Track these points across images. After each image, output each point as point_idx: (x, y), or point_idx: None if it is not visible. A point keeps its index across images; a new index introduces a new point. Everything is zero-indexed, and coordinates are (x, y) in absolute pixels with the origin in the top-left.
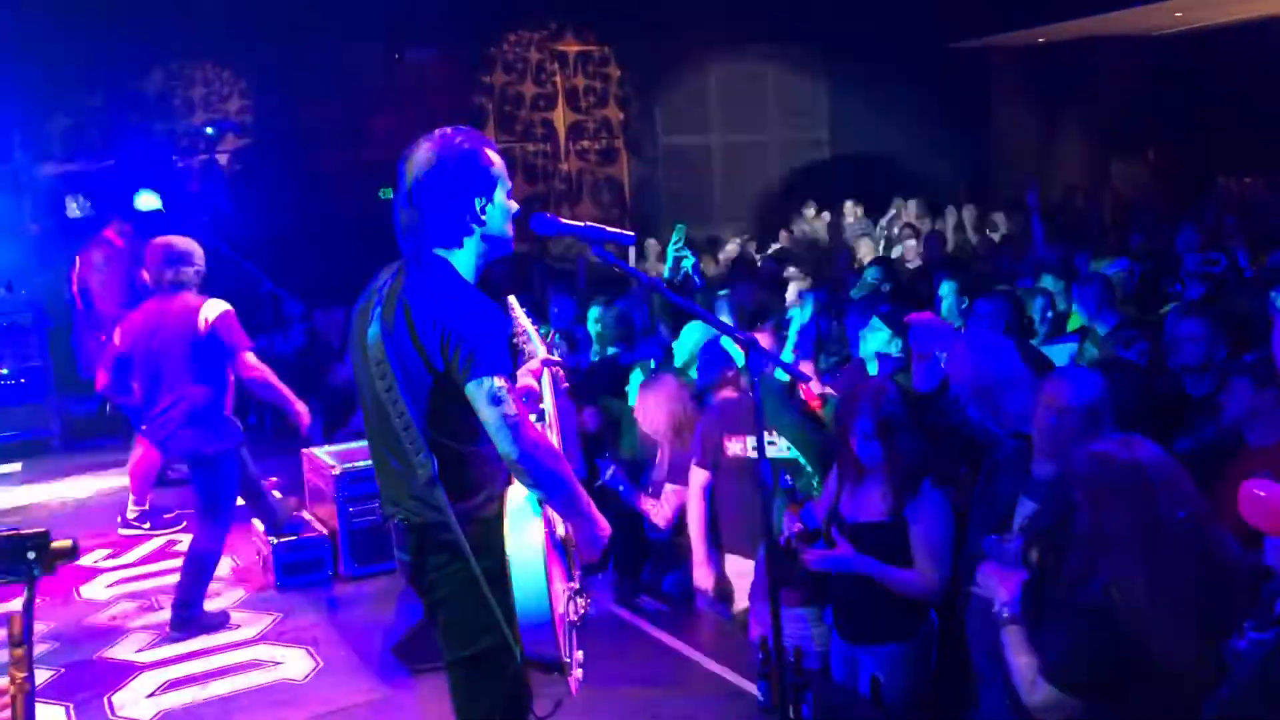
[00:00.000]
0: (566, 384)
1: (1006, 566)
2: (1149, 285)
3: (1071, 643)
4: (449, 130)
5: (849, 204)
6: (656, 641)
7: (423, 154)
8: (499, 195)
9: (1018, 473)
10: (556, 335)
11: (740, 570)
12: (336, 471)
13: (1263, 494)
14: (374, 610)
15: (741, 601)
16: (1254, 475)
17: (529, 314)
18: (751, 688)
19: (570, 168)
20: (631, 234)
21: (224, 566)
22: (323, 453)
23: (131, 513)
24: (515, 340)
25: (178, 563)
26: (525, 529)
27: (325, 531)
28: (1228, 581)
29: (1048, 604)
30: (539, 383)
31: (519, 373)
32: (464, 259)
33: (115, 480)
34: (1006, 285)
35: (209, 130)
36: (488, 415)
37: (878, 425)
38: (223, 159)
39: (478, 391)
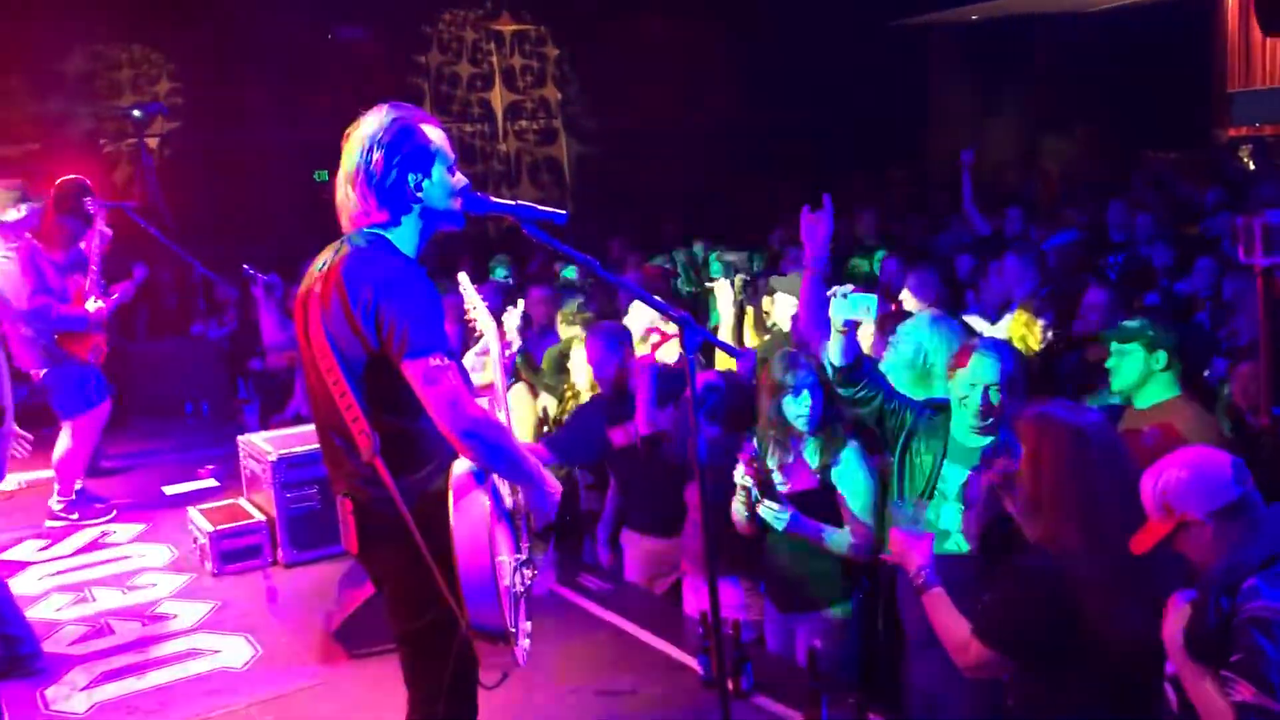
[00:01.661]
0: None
1: (913, 531)
2: (1081, 258)
3: (1010, 604)
4: (386, 106)
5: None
6: (598, 619)
7: (360, 131)
8: (438, 171)
9: (939, 440)
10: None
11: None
12: (273, 457)
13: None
14: (314, 596)
15: (633, 577)
16: (1140, 435)
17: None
18: (693, 662)
19: (508, 148)
20: (564, 213)
21: (161, 555)
22: (259, 439)
23: (57, 504)
24: (466, 318)
25: (111, 554)
26: (469, 501)
27: (263, 518)
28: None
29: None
30: (488, 360)
31: (474, 350)
32: (404, 236)
33: (43, 472)
34: (938, 257)
35: (136, 114)
36: (425, 393)
37: (809, 392)
38: (152, 142)
39: (414, 370)
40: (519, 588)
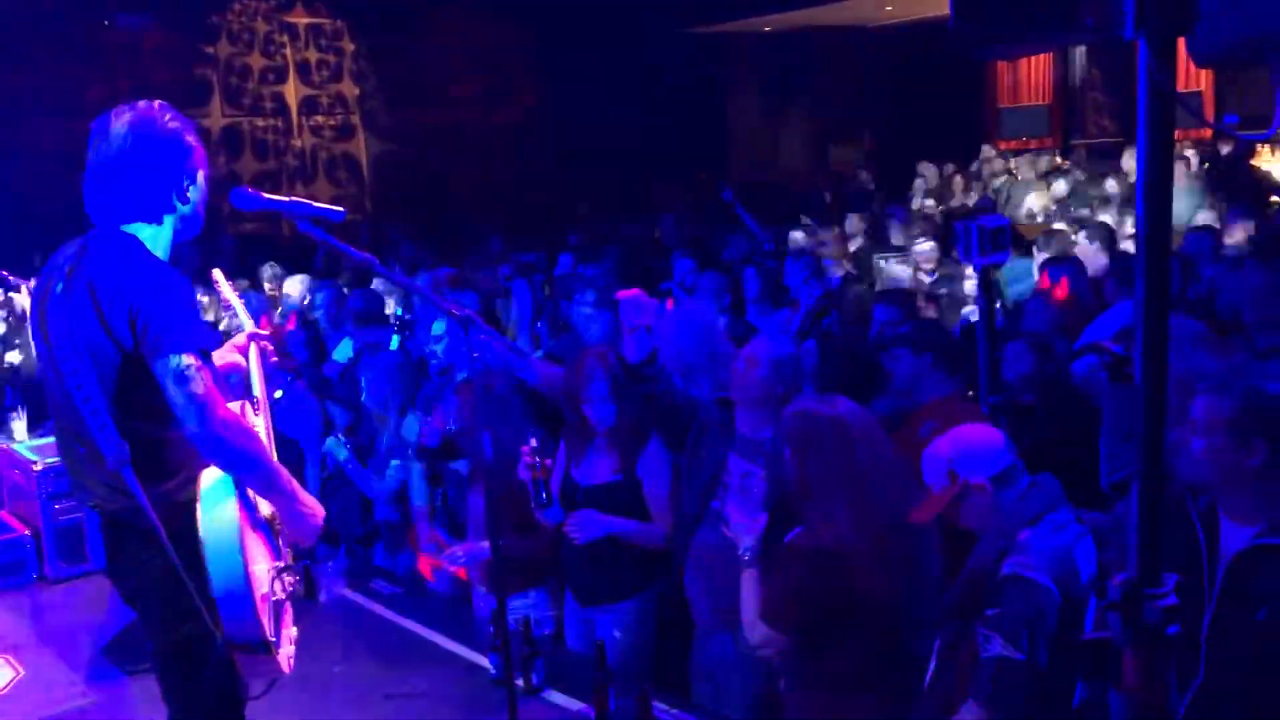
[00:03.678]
0: (275, 358)
1: (752, 511)
2: (863, 259)
3: (784, 584)
4: (154, 105)
5: None
6: (389, 623)
7: (123, 127)
8: (200, 177)
9: (724, 434)
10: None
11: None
12: (39, 467)
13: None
14: (82, 612)
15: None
16: (922, 429)
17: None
18: (484, 660)
19: (303, 144)
20: (341, 210)
21: None
22: (23, 447)
23: None
24: (224, 315)
25: None
26: (219, 510)
27: (27, 531)
28: (921, 527)
29: (769, 549)
30: (246, 359)
31: (224, 349)
32: (160, 236)
33: None
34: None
35: None
36: (174, 394)
37: (611, 388)
38: None
39: (164, 369)
40: (279, 595)
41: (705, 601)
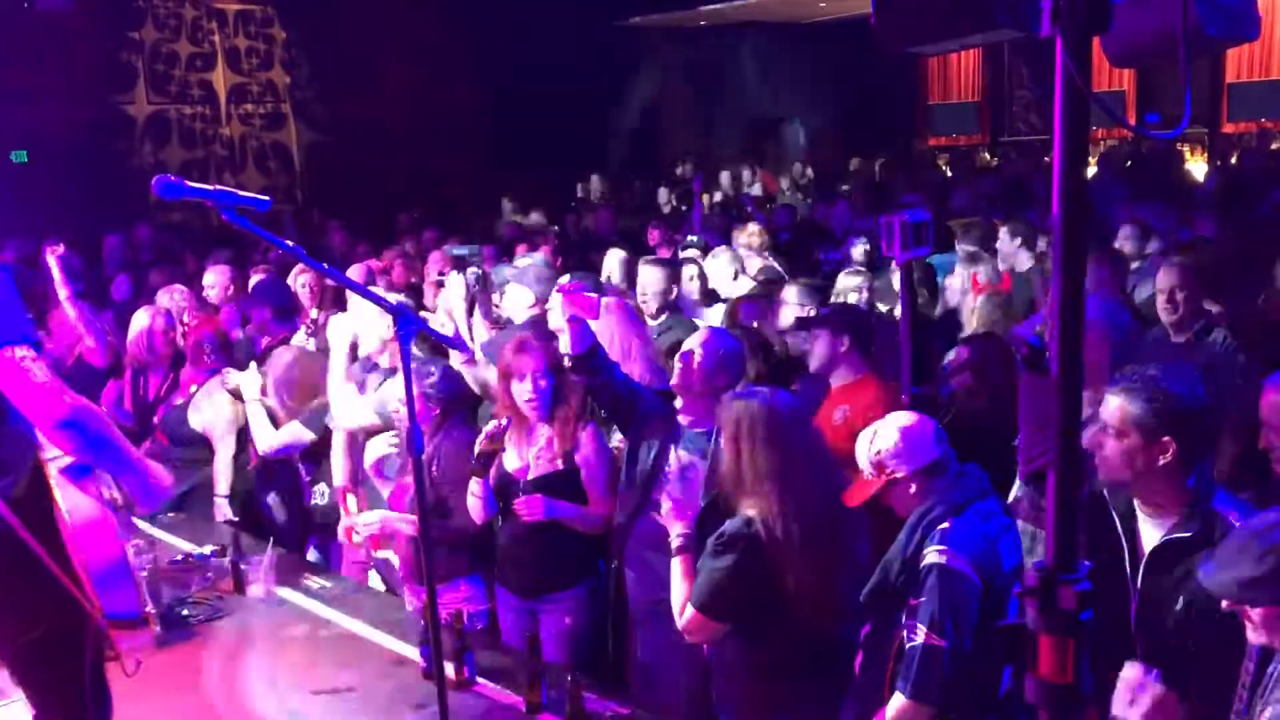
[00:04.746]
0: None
1: (689, 500)
2: (805, 253)
3: (716, 572)
4: None
5: None
6: (319, 618)
7: None
8: None
9: (665, 424)
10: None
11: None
12: None
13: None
14: None
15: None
16: (836, 413)
17: None
18: (416, 655)
19: (232, 132)
20: (267, 199)
21: None
22: None
23: None
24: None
25: None
26: (73, 493)
27: None
28: (848, 513)
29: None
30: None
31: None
32: None
33: None
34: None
35: None
36: (13, 388)
37: (551, 376)
38: None
39: None
40: (144, 570)
41: (641, 591)
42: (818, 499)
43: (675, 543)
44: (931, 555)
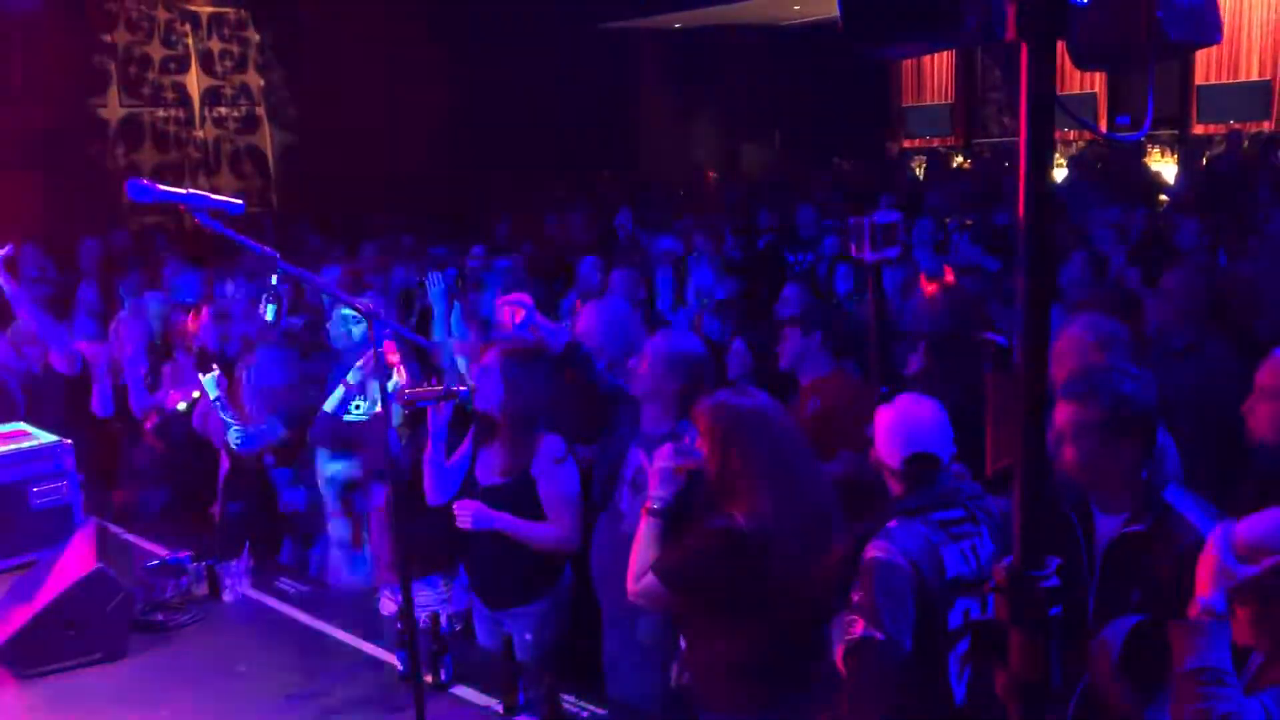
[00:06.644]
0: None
1: (677, 463)
2: (774, 256)
3: (693, 552)
4: None
5: None
6: (295, 622)
7: None
8: None
9: (632, 426)
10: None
11: None
12: None
13: None
14: None
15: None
16: (808, 406)
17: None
18: (392, 658)
19: (206, 135)
20: (240, 202)
21: None
22: None
23: None
24: None
25: None
26: None
27: None
28: (831, 505)
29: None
30: None
31: None
32: None
33: None
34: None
35: None
36: None
37: (503, 383)
38: None
39: None
40: None
41: (608, 593)
42: (807, 494)
43: (652, 505)
44: (871, 550)
